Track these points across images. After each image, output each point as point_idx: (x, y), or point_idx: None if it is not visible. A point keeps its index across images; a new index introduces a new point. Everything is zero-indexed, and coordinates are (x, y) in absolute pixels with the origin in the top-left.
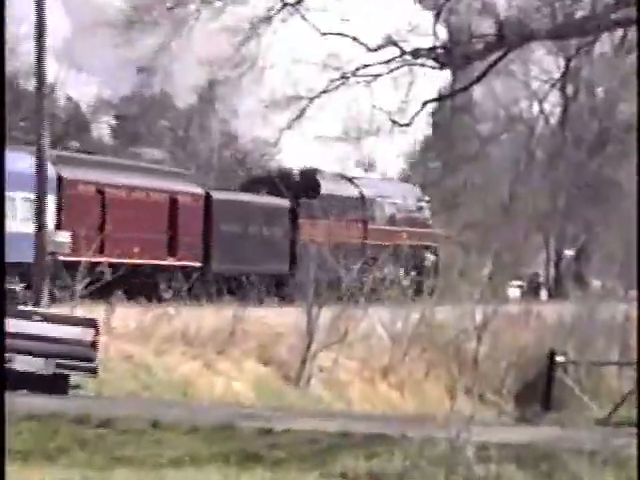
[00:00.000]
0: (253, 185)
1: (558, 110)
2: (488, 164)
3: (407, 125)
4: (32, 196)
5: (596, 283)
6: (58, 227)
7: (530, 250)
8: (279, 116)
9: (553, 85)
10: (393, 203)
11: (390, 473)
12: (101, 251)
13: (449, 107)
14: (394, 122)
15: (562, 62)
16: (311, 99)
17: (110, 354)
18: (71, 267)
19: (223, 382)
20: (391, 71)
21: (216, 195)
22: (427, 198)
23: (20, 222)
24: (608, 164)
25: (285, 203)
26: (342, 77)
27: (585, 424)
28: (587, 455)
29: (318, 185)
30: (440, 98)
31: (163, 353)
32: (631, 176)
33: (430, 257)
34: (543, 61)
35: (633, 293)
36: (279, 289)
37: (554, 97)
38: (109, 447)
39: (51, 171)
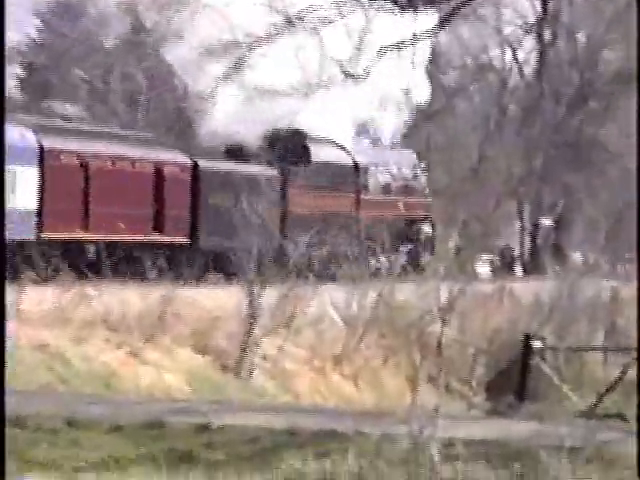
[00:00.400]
0: (236, 151)
1: (534, 59)
2: (454, 121)
3: (362, 77)
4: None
5: (577, 257)
6: (40, 201)
7: (502, 219)
8: (214, 66)
9: (528, 30)
10: (387, 171)
11: (344, 475)
12: (85, 227)
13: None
14: (347, 73)
15: (538, 4)
16: (251, 46)
17: (20, 342)
18: (54, 245)
19: (152, 373)
20: (343, 16)
21: (203, 164)
22: (423, 165)
23: None
24: (591, 121)
25: (274, 172)
26: (286, 22)
27: (565, 417)
28: (567, 452)
29: (308, 151)
30: (399, 45)
31: (82, 340)
32: (617, 135)
33: (427, 229)
34: (517, 3)
35: (621, 268)
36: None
37: (529, 44)
38: (19, 449)
39: (32, 141)
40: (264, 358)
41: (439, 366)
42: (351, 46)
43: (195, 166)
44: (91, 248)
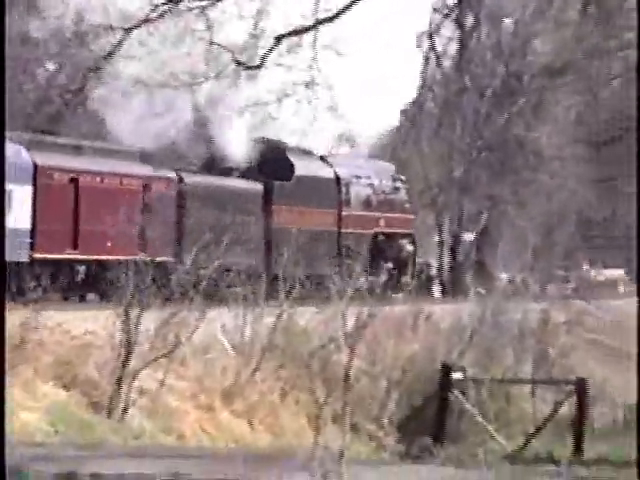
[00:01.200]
0: (216, 164)
1: (453, 48)
2: None
3: (257, 67)
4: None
5: (503, 276)
6: (34, 220)
7: (417, 233)
8: (85, 52)
9: (447, 15)
10: (369, 184)
11: None
12: (74, 247)
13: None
14: (239, 63)
15: None
16: (127, 30)
17: None
18: (44, 265)
19: (7, 412)
20: None
21: (189, 179)
22: (403, 177)
23: None
24: (518, 120)
25: (258, 187)
26: (169, 1)
27: (489, 461)
28: None
29: (292, 165)
30: (298, 31)
31: None
32: (548, 137)
33: (409, 247)
34: None
35: (552, 289)
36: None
37: (448, 31)
38: None
39: (26, 158)
40: (142, 393)
41: (346, 402)
42: (245, 32)
43: (180, 181)
44: (81, 268)
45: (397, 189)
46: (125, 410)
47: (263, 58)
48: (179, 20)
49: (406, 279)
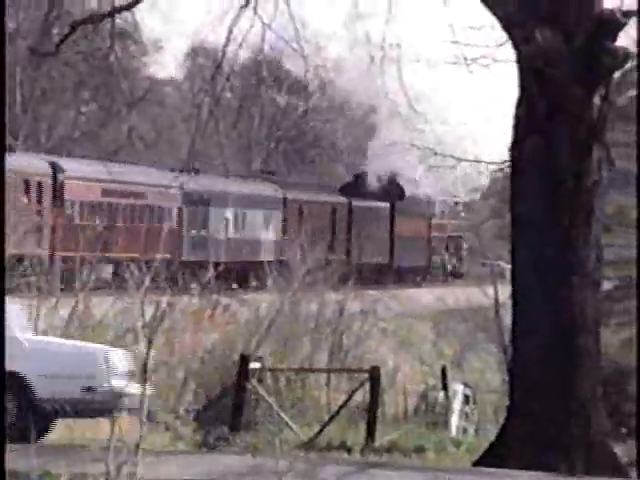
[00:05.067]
0: (354, 188)
1: (254, 37)
2: (163, 110)
3: (51, 54)
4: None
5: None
6: (284, 234)
7: None
8: None
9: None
10: (442, 200)
11: None
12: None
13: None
14: (33, 51)
15: None
16: None
17: None
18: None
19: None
20: None
21: (355, 203)
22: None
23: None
24: (315, 113)
25: (386, 205)
26: None
27: (284, 449)
28: None
29: (402, 189)
30: (94, 19)
31: None
32: (344, 129)
33: (464, 245)
34: None
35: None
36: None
37: (248, 19)
38: None
39: (279, 194)
40: None
41: (143, 393)
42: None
43: (350, 204)
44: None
45: (456, 203)
46: None
47: (58, 45)
48: None
49: (463, 268)
